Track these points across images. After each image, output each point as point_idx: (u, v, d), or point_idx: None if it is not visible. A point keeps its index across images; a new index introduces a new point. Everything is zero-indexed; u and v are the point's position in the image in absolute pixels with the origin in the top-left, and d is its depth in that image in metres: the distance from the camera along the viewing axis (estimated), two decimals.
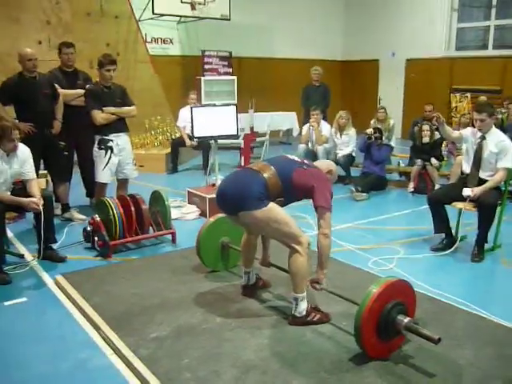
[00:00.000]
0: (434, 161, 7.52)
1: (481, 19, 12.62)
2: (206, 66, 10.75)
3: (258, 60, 12.92)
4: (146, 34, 11.19)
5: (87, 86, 5.61)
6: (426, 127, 7.62)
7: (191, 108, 6.17)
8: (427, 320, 3.33)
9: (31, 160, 4.54)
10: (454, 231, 5.12)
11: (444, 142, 8.34)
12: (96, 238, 4.75)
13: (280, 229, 3.19)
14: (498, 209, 4.86)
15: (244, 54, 12.41)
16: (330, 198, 3.29)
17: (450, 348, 3.04)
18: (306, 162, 3.51)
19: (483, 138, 4.78)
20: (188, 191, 6.41)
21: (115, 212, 4.77)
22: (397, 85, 13.69)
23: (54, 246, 4.69)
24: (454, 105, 12.04)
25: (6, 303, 3.77)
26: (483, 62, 12.00)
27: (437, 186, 6.99)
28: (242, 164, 7.87)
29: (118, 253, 4.84)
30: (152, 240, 5.18)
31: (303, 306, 3.29)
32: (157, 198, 5.24)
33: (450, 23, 12.81)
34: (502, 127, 8.13)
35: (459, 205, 4.88)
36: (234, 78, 7.96)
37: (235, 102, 6.66)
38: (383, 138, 7.84)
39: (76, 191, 6.25)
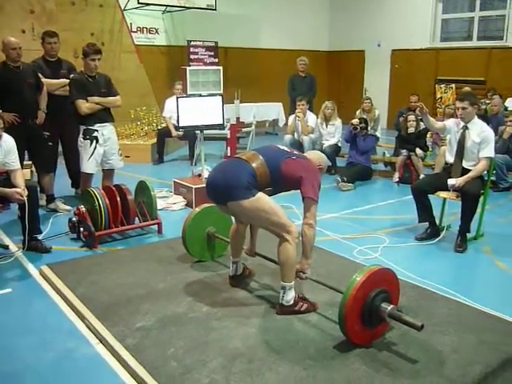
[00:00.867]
0: (418, 151, 7.58)
1: (465, 10, 12.71)
2: (192, 56, 10.67)
3: (244, 50, 12.88)
4: (131, 24, 11.11)
5: (71, 75, 5.56)
6: (411, 117, 7.68)
7: (177, 98, 6.15)
8: (411, 307, 3.38)
9: (15, 150, 4.50)
10: (438, 220, 5.18)
11: (429, 133, 8.40)
12: (81, 229, 4.74)
13: (269, 218, 3.20)
14: (481, 198, 4.92)
15: (230, 45, 12.37)
16: (317, 190, 3.30)
17: (433, 334, 3.08)
18: (295, 152, 3.53)
19: (466, 128, 4.83)
20: (174, 182, 6.40)
21: (101, 202, 4.75)
22: (382, 75, 13.75)
23: (39, 237, 4.66)
24: (438, 96, 12.13)
25: None
26: (468, 53, 12.10)
27: (421, 176, 7.05)
28: (229, 154, 7.87)
29: (104, 243, 4.83)
30: (138, 230, 5.17)
31: (291, 295, 3.31)
32: (143, 188, 5.23)
33: (435, 14, 12.88)
34: (485, 118, 8.21)
35: (443, 194, 4.95)
36: (220, 67, 7.92)
37: (221, 92, 6.63)
38: (369, 129, 7.90)
39: (61, 182, 6.22)
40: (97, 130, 5.36)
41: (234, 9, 12.49)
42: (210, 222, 4.19)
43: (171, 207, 6.01)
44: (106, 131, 5.44)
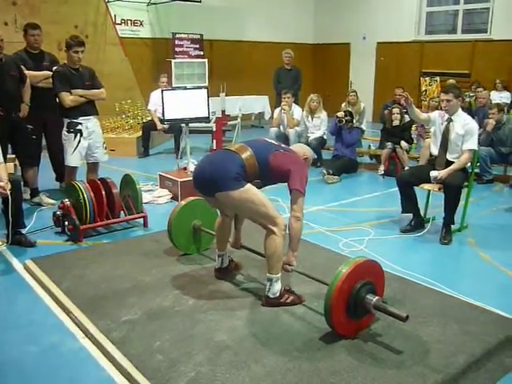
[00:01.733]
0: (403, 144, 7.61)
1: (450, 3, 12.77)
2: (177, 49, 10.62)
3: (229, 43, 12.84)
4: (115, 16, 11.01)
5: (54, 67, 5.50)
6: (396, 110, 7.71)
7: (162, 91, 6.12)
8: (396, 299, 3.41)
9: None
10: (422, 212, 5.22)
11: (413, 126, 8.45)
12: (66, 223, 4.71)
13: (256, 209, 3.20)
14: (465, 190, 4.97)
15: (215, 37, 12.32)
16: (304, 182, 3.31)
17: (418, 325, 3.11)
18: (283, 145, 3.54)
19: (450, 120, 4.86)
20: (160, 175, 6.37)
21: (85, 196, 4.72)
22: (368, 67, 13.78)
23: (23, 231, 4.62)
24: (423, 88, 12.18)
25: None
26: (452, 46, 12.17)
27: (406, 169, 7.09)
28: (214, 148, 7.84)
29: (89, 237, 4.80)
30: (123, 224, 5.15)
31: (277, 287, 3.32)
32: (128, 181, 5.20)
33: (420, 7, 12.93)
34: (470, 111, 8.28)
35: (427, 186, 4.98)
36: (205, 60, 7.89)
37: (206, 84, 6.60)
38: (354, 121, 7.91)
39: (45, 175, 6.16)
40: (81, 123, 5.31)
41: (219, 1, 12.43)
42: (195, 216, 4.18)
43: (157, 200, 5.99)
44: (90, 124, 5.39)
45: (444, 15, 13.10)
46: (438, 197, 5.07)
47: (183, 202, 4.21)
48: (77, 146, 5.33)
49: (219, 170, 3.22)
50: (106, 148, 5.69)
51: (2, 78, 5.23)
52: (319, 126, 8.13)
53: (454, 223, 4.89)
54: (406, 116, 7.38)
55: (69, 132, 5.30)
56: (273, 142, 3.57)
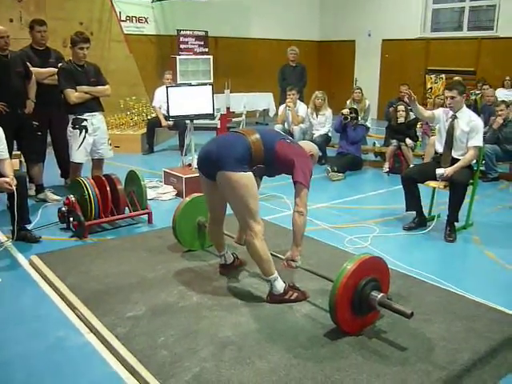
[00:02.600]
0: (408, 141, 7.59)
1: (456, 0, 12.71)
2: (182, 46, 10.61)
3: (234, 40, 12.83)
4: (120, 13, 11.02)
5: (60, 64, 5.51)
6: (401, 108, 7.68)
7: (167, 87, 6.12)
8: (401, 296, 3.40)
9: (4, 140, 4.45)
10: (427, 210, 5.20)
11: (419, 123, 8.43)
12: (71, 219, 4.71)
13: (246, 200, 3.16)
14: (471, 188, 4.95)
15: (220, 34, 12.32)
16: (308, 177, 3.29)
17: (423, 322, 3.11)
18: (290, 138, 3.55)
19: (455, 117, 4.84)
20: (164, 171, 6.38)
21: (90, 192, 4.73)
22: (373, 65, 13.75)
23: (29, 227, 4.64)
24: (428, 86, 12.15)
25: None
26: (458, 43, 12.12)
27: (411, 166, 7.07)
28: None
29: (94, 233, 4.81)
30: (128, 220, 5.15)
31: (279, 285, 3.32)
32: (132, 177, 5.21)
33: (426, 4, 12.88)
34: (476, 109, 8.26)
35: (432, 183, 4.96)
36: (210, 57, 7.86)
37: (211, 81, 6.59)
38: (359, 119, 7.89)
39: (50, 172, 6.18)
40: (86, 120, 5.32)
41: None
42: (200, 212, 4.17)
43: (161, 197, 6.00)
44: (95, 120, 5.40)
45: (450, 12, 13.05)
46: (443, 194, 5.06)
47: (188, 199, 4.22)
48: (82, 142, 5.33)
49: (225, 149, 3.21)
50: (110, 144, 5.70)
51: (7, 74, 5.25)
52: (324, 123, 8.12)
53: (458, 221, 4.87)
54: (412, 113, 7.36)
55: (74, 128, 5.31)
56: (280, 132, 3.60)
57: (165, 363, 2.69)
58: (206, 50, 10.99)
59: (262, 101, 12.21)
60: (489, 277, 4.05)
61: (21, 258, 4.21)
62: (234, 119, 9.44)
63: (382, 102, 12.00)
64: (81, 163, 5.48)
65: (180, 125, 8.29)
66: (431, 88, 12.05)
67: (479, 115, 5.14)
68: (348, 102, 8.86)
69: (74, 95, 5.20)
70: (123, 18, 11.19)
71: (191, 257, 4.17)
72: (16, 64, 5.35)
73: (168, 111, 6.07)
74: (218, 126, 8.01)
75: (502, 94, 10.13)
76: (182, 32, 10.69)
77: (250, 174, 3.20)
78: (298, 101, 8.26)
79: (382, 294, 2.91)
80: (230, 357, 2.75)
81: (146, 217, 5.16)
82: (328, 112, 8.15)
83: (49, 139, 6.17)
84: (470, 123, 4.75)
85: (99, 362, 2.82)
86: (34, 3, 9.08)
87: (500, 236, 4.96)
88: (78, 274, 3.80)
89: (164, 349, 2.82)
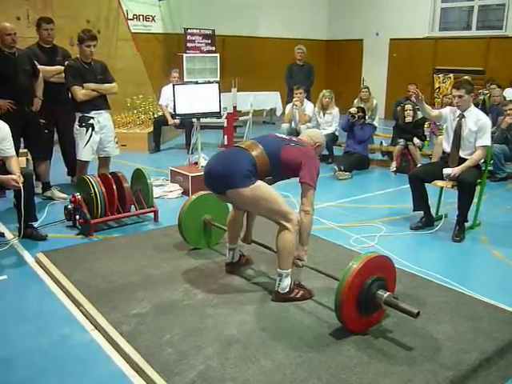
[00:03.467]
0: (416, 140, 7.56)
1: None
2: (189, 45, 10.54)
3: (241, 39, 12.81)
4: (127, 11, 11.02)
5: (67, 62, 5.51)
6: (408, 107, 7.65)
7: (173, 85, 6.11)
8: (407, 295, 3.38)
9: (10, 137, 4.45)
10: (434, 209, 5.17)
11: (426, 122, 8.38)
12: (77, 217, 4.71)
13: (269, 206, 3.18)
14: (479, 188, 4.91)
15: (228, 33, 12.28)
16: (316, 176, 3.29)
17: (429, 322, 3.08)
18: (294, 139, 3.53)
19: (462, 116, 4.80)
20: (171, 170, 6.38)
21: (97, 190, 4.73)
22: (380, 64, 13.70)
23: (35, 225, 4.64)
24: (437, 85, 12.10)
25: None
26: (467, 43, 12.05)
27: (419, 166, 7.03)
28: (225, 143, 7.83)
29: (100, 231, 4.81)
30: (134, 218, 5.16)
31: (286, 283, 3.30)
32: (139, 175, 5.21)
33: (434, 3, 12.82)
34: (484, 108, 8.20)
35: (440, 183, 4.93)
36: (217, 55, 7.85)
37: (218, 79, 6.58)
38: (366, 118, 7.86)
39: (57, 169, 6.19)
40: (93, 118, 5.32)
41: None
42: (206, 210, 4.17)
43: (167, 195, 6.00)
44: (101, 118, 5.40)
45: (458, 11, 12.98)
46: (450, 194, 5.02)
47: (194, 197, 4.21)
48: (88, 140, 5.33)
49: (230, 167, 3.21)
50: (117, 142, 5.70)
51: (15, 72, 5.26)
52: (331, 122, 8.10)
53: (467, 221, 4.84)
54: (419, 113, 7.32)
55: (80, 126, 5.31)
56: (283, 136, 3.57)
57: (169, 361, 2.68)
58: (213, 48, 10.97)
59: (269, 100, 12.18)
60: (496, 277, 4.03)
61: (27, 256, 4.22)
62: (240, 118, 9.43)
63: (390, 101, 11.97)
64: (87, 161, 5.48)
65: (186, 123, 8.29)
66: (439, 87, 12.00)
67: (487, 115, 5.10)
68: (355, 101, 8.83)
69: (80, 92, 5.20)
70: (130, 16, 11.19)
71: (197, 255, 4.16)
72: (23, 62, 5.35)
73: (174, 109, 6.06)
74: (225, 125, 7.99)
75: (510, 93, 10.05)
76: (188, 30, 10.68)
77: (259, 181, 3.20)
78: (305, 100, 8.24)
79: (388, 293, 2.89)
80: (235, 355, 2.74)
81: (152, 215, 5.16)
82: (335, 111, 8.13)
83: (56, 137, 6.18)
84: (477, 122, 4.71)
85: (104, 359, 2.81)
86: (41, 1, 9.10)
87: (508, 236, 4.92)
88: (84, 271, 3.80)
89: (169, 346, 2.82)
